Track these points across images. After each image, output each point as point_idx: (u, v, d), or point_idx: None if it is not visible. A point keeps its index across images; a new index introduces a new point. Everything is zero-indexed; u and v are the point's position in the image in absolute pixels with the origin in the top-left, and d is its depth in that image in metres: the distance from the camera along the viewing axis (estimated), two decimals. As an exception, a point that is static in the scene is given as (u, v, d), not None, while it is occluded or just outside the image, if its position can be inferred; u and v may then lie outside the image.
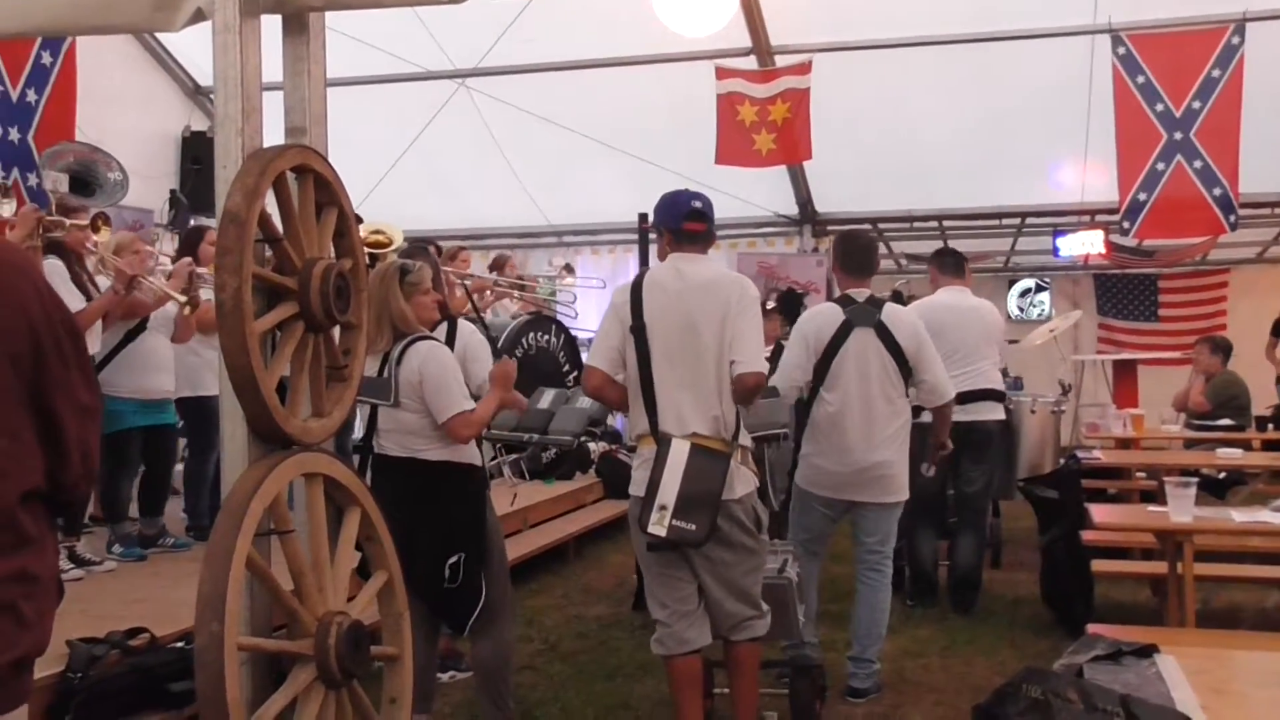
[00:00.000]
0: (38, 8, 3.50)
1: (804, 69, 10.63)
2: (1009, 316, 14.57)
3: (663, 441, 4.24)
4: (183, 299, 6.26)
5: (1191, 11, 9.81)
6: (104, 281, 6.36)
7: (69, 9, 3.49)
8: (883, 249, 13.22)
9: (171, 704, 4.33)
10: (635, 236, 7.57)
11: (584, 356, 9.94)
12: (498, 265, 10.85)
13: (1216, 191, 9.86)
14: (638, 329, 4.33)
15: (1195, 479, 4.98)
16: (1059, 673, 2.33)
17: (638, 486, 4.31)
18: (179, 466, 7.35)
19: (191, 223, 10.00)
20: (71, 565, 5.89)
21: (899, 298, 6.94)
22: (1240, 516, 4.97)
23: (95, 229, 6.20)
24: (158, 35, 11.15)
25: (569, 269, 11.72)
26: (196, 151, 11.55)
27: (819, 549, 5.57)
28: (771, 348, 6.88)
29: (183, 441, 7.39)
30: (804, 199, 12.89)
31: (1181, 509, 4.82)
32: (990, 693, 2.30)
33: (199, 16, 3.34)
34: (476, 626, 4.56)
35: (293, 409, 3.23)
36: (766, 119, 10.75)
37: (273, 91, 3.35)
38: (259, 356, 3.03)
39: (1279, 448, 8.55)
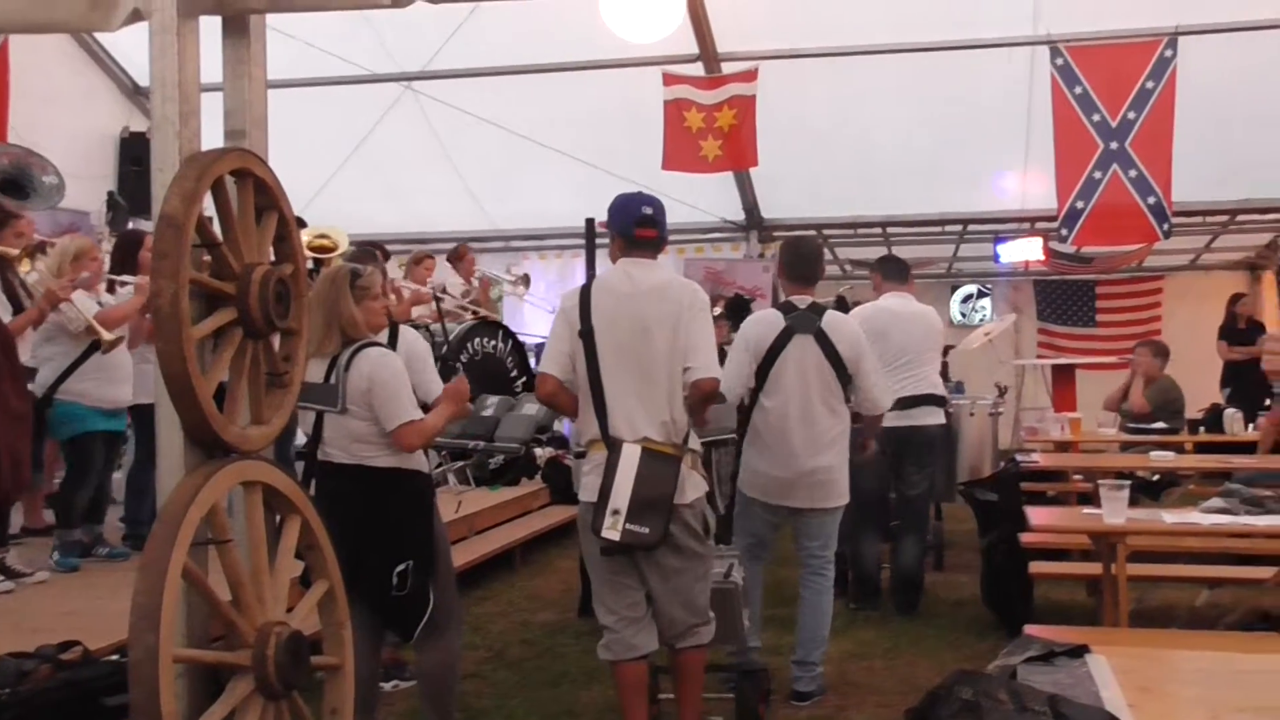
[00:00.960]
0: (-30, 8, 3.45)
1: (750, 76, 10.69)
2: (951, 322, 14.75)
3: (614, 446, 4.25)
4: (109, 337, 6.17)
5: (1127, 25, 10.01)
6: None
7: (2, 7, 3.43)
8: (828, 255, 13.31)
9: (106, 719, 4.26)
10: (583, 242, 7.58)
11: (533, 363, 9.96)
12: (456, 258, 10.81)
13: (1151, 200, 10.05)
14: (586, 334, 4.34)
15: (1129, 482, 5.05)
16: (990, 674, 2.36)
17: (589, 492, 4.32)
18: (116, 474, 7.27)
19: (130, 225, 9.89)
20: (1, 577, 5.81)
21: (843, 303, 7.01)
22: (1171, 518, 5.06)
23: (31, 256, 6.16)
24: (96, 34, 11.00)
25: (525, 281, 11.64)
26: (136, 152, 11.35)
27: (762, 553, 5.60)
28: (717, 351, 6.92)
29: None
30: (750, 205, 12.96)
31: (1115, 511, 4.89)
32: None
33: (136, 17, 3.30)
34: (423, 635, 4.53)
35: (231, 416, 3.19)
36: (713, 125, 10.81)
37: (212, 92, 3.31)
38: (196, 363, 2.99)
39: (1211, 450, 8.70)
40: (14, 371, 2.18)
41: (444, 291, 10.17)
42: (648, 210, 4.48)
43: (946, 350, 8.45)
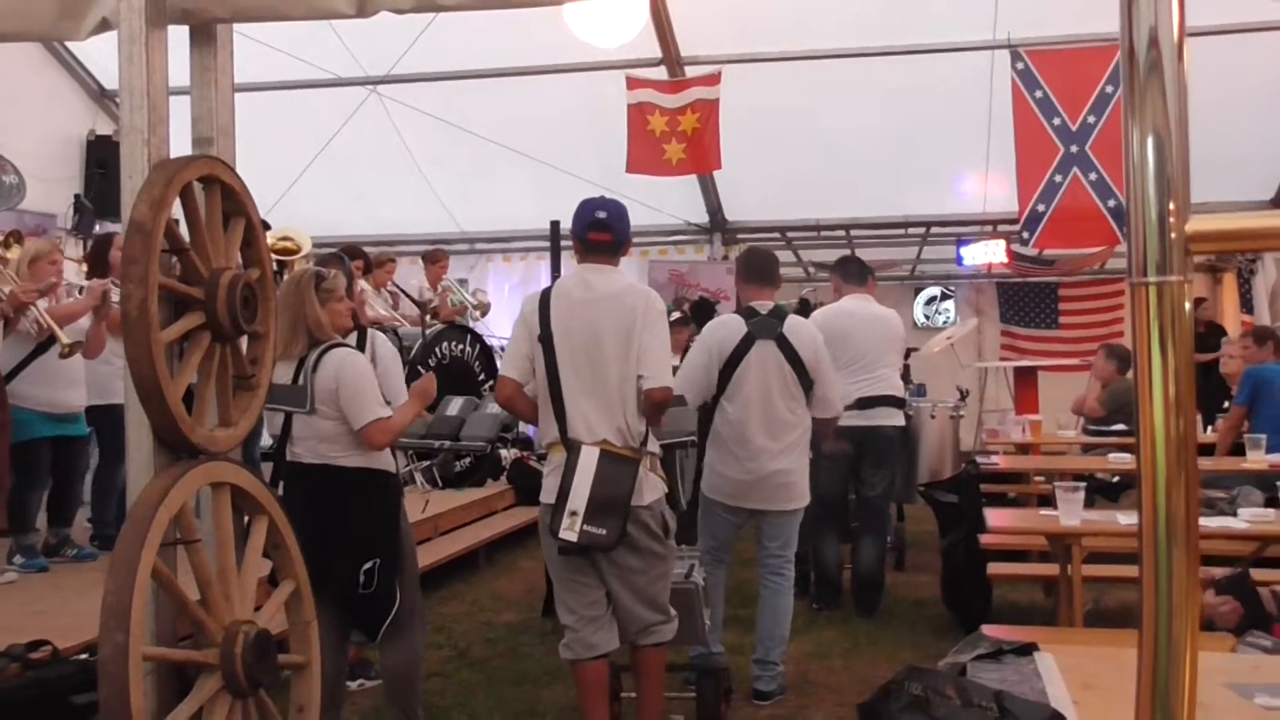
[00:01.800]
0: (-63, 15, 3.48)
1: (713, 80, 10.76)
2: (915, 324, 14.85)
3: (572, 448, 4.31)
4: (66, 343, 6.16)
5: (1086, 29, 10.11)
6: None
7: (-30, 17, 3.47)
8: (791, 257, 13.42)
9: (74, 717, 4.27)
10: (547, 244, 7.63)
11: (499, 364, 9.98)
12: (431, 260, 10.84)
13: (1111, 203, 10.16)
14: (545, 338, 4.39)
15: (1084, 484, 5.16)
16: (940, 670, 2.44)
17: (548, 494, 4.38)
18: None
19: (97, 228, 9.87)
20: (-32, 577, 5.82)
21: (805, 305, 7.09)
22: (1126, 519, 5.15)
23: (6, 245, 6.12)
24: (61, 38, 10.96)
25: (485, 308, 11.59)
26: (101, 155, 11.32)
27: (724, 555, 5.67)
28: (681, 354, 6.98)
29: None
30: (714, 208, 13.05)
31: (1070, 513, 4.99)
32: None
33: (104, 26, 3.35)
34: (387, 634, 4.58)
35: (199, 418, 3.25)
36: (677, 129, 10.86)
37: (180, 95, 3.36)
38: (164, 366, 3.05)
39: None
40: None
41: (395, 287, 10.21)
42: (600, 214, 4.50)
43: (908, 353, 8.54)
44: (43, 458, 6.44)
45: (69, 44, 11.24)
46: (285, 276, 7.58)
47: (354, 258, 7.59)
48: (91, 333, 6.47)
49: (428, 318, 10.23)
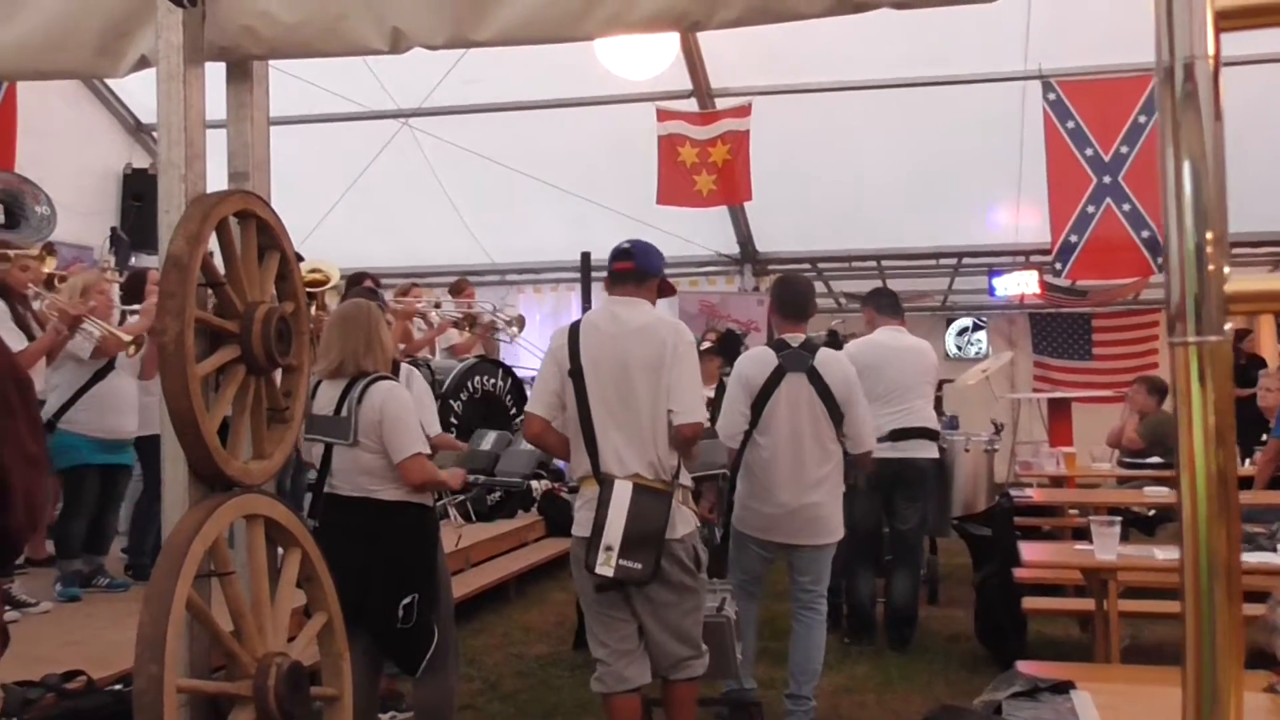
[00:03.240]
0: (-19, 53, 3.53)
1: (744, 111, 10.79)
2: (947, 355, 14.77)
3: (605, 482, 4.30)
4: (128, 338, 6.25)
5: (1119, 59, 10.08)
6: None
7: (13, 54, 3.52)
8: (822, 288, 13.38)
9: (108, 747, 4.31)
10: (578, 275, 7.66)
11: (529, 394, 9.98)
12: (456, 291, 10.86)
13: (1145, 234, 10.11)
14: (575, 372, 4.39)
15: (1120, 518, 5.10)
16: (973, 709, 2.41)
17: (581, 528, 4.37)
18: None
19: (133, 260, 9.96)
20: (6, 607, 5.83)
21: (835, 337, 7.06)
22: (1163, 554, 5.09)
23: (41, 260, 6.18)
24: (99, 74, 11.10)
25: (520, 322, 11.63)
26: (138, 189, 11.47)
27: (756, 589, 5.64)
28: (714, 386, 6.97)
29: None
30: (745, 239, 13.04)
31: (1106, 547, 4.94)
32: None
33: (143, 63, 3.39)
34: (424, 668, 4.58)
35: (234, 451, 3.26)
36: (707, 160, 10.89)
37: (216, 130, 3.40)
38: (200, 399, 3.07)
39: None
40: (29, 413, 2.21)
41: (437, 307, 10.26)
42: (624, 245, 4.59)
43: (941, 385, 8.49)
44: (89, 485, 6.51)
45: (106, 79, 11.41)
46: (314, 308, 7.68)
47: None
48: (147, 354, 6.53)
49: (466, 330, 10.26)
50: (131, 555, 7.05)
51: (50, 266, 6.23)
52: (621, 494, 4.25)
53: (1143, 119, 10.04)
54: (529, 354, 11.18)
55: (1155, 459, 9.17)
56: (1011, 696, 2.60)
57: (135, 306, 6.79)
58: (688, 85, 11.00)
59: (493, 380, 10.10)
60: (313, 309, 7.70)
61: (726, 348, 8.60)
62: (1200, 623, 1.20)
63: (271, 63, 3.66)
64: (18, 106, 9.59)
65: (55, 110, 10.67)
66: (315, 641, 3.56)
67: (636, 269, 4.55)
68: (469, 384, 9.78)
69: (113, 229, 11.18)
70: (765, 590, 5.83)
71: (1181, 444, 1.18)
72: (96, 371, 6.39)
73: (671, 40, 9.85)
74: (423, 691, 4.68)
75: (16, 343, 5.89)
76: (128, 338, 6.27)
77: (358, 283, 7.80)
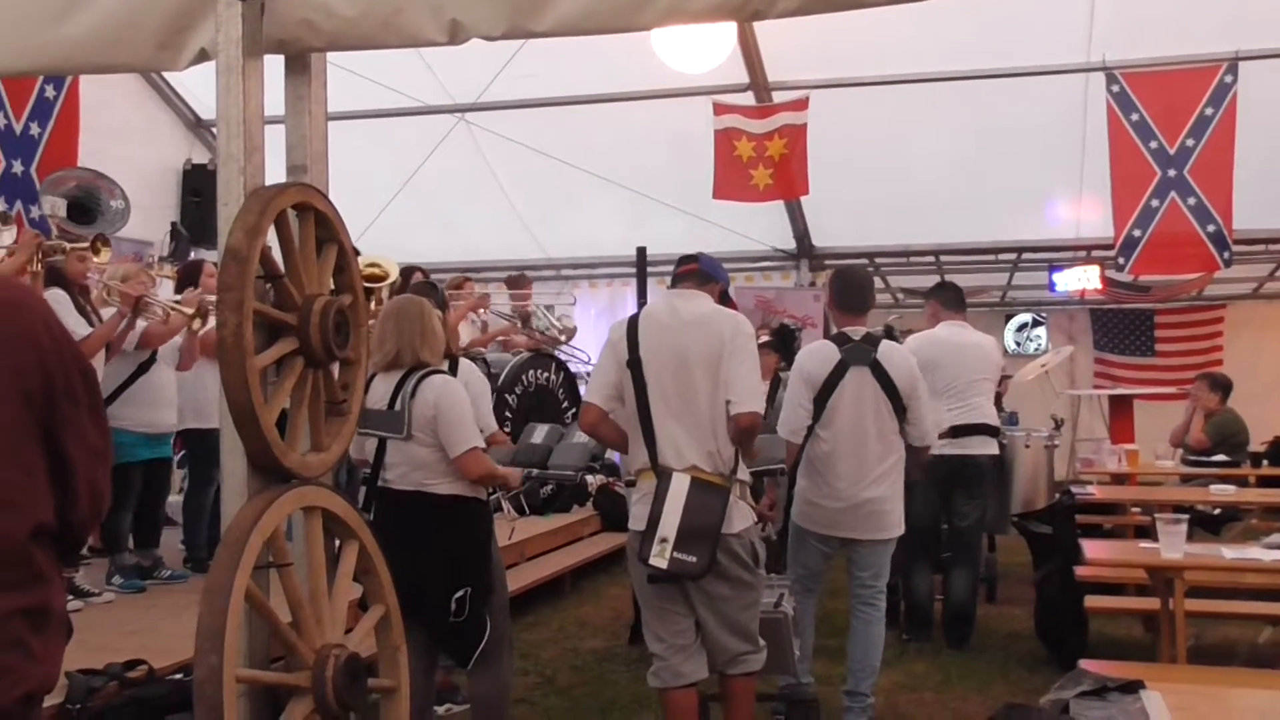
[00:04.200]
0: (43, 47, 3.55)
1: (801, 105, 10.71)
2: (1006, 351, 14.58)
3: (663, 475, 4.28)
4: (189, 311, 6.31)
5: (1185, 50, 9.91)
6: (107, 311, 6.40)
7: (74, 49, 3.54)
8: (879, 283, 13.27)
9: (169, 736, 4.35)
10: (633, 270, 7.62)
11: (583, 390, 9.99)
12: (515, 284, 10.86)
13: (1210, 228, 9.93)
14: (634, 364, 4.38)
15: (1186, 515, 5.00)
16: (1042, 708, 2.36)
17: (638, 520, 4.35)
18: (174, 498, 7.38)
19: (192, 255, 10.06)
20: (70, 597, 5.91)
21: (891, 333, 6.98)
22: (1231, 553, 5.00)
23: (95, 251, 6.24)
24: (161, 70, 11.23)
25: (571, 333, 11.60)
26: (197, 184, 11.60)
27: (815, 585, 5.59)
28: (770, 381, 6.92)
29: (180, 472, 7.41)
30: (801, 233, 12.96)
31: (1172, 545, 4.84)
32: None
33: (203, 56, 3.41)
34: (477, 661, 4.58)
35: (292, 443, 3.27)
36: (764, 154, 10.82)
37: (275, 125, 3.40)
38: (259, 392, 3.07)
39: (1274, 484, 8.55)
40: (94, 405, 2.22)
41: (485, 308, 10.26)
42: (690, 255, 4.71)
43: (1003, 381, 8.38)
44: (135, 480, 6.56)
45: (166, 75, 11.54)
46: (373, 303, 7.71)
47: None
48: (185, 346, 6.59)
49: (520, 325, 10.27)
50: (188, 548, 7.13)
51: (104, 258, 6.28)
52: (678, 487, 4.23)
53: (1209, 111, 9.86)
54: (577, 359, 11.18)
55: (1221, 456, 9.02)
56: (1079, 695, 2.54)
57: (179, 298, 6.85)
58: (745, 79, 10.93)
59: (546, 374, 10.12)
60: (371, 304, 7.73)
61: (781, 344, 8.54)
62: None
63: (330, 58, 3.67)
64: (80, 103, 9.71)
65: (116, 107, 10.80)
66: (372, 633, 3.57)
67: (700, 270, 4.59)
68: (523, 378, 9.81)
69: (173, 224, 11.30)
70: (823, 587, 5.78)
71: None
72: (139, 365, 6.44)
73: (729, 33, 9.80)
74: (477, 684, 4.69)
75: (81, 331, 5.97)
76: (190, 310, 6.33)
77: (409, 277, 7.82)
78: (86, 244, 6.18)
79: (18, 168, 9.38)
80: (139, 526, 6.81)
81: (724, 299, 4.73)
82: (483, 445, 4.55)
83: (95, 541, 7.24)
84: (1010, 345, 15.07)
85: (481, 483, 4.62)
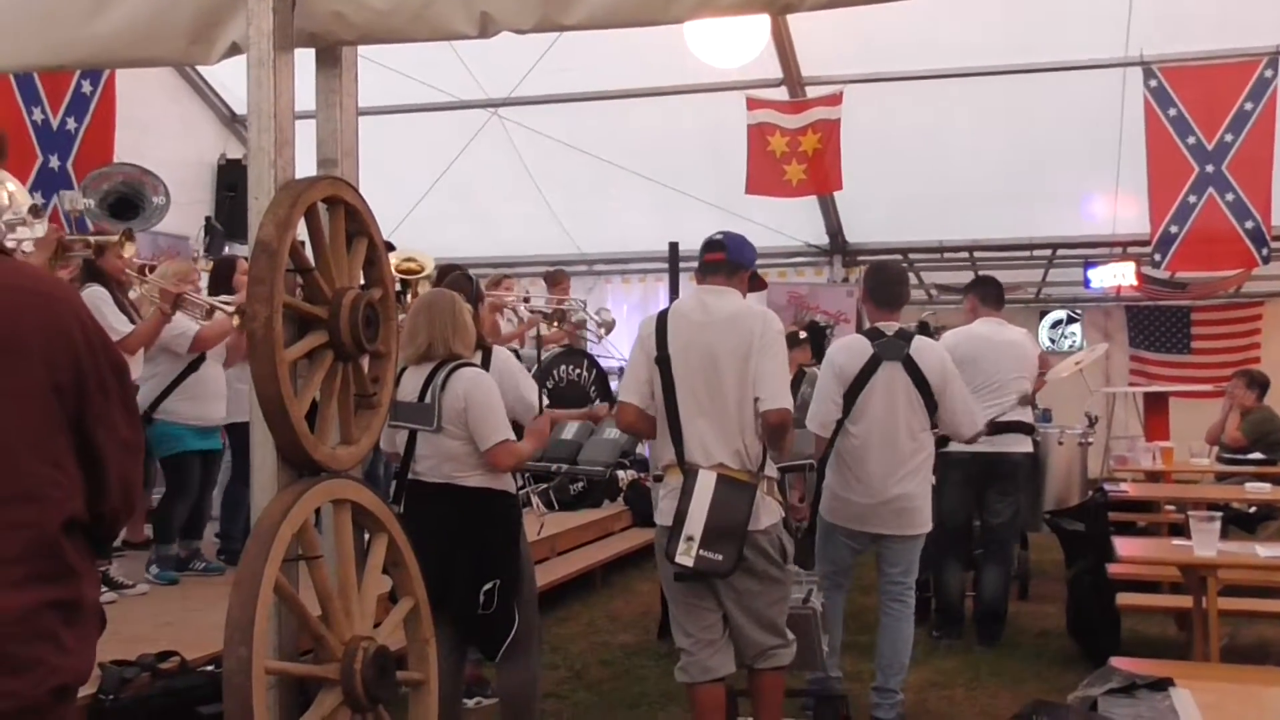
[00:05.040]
0: (77, 42, 3.58)
1: (835, 100, 10.67)
2: (1040, 348, 14.49)
3: (689, 472, 4.28)
4: (230, 309, 6.36)
5: (1224, 45, 9.80)
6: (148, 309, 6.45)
7: (107, 43, 3.57)
8: (913, 279, 13.21)
9: (200, 726, 4.38)
10: (666, 266, 7.61)
11: (614, 388, 9.99)
12: (553, 281, 10.85)
13: (1249, 225, 9.83)
14: (662, 360, 4.37)
15: (1220, 513, 4.96)
16: (1068, 705, 2.34)
17: (664, 516, 4.35)
18: (215, 490, 7.43)
19: (226, 250, 10.13)
20: (104, 588, 5.95)
21: (926, 329, 6.95)
22: (1265, 551, 4.94)
23: (121, 245, 6.28)
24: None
25: (609, 326, 11.56)
26: (231, 179, 11.67)
27: (844, 580, 5.57)
28: (794, 375, 6.90)
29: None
30: (834, 229, 12.93)
31: (1205, 544, 4.80)
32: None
33: (234, 50, 3.43)
34: (506, 654, 4.59)
35: (322, 436, 3.29)
36: (797, 149, 10.80)
37: (306, 119, 3.42)
38: (289, 385, 3.09)
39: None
40: (125, 398, 2.22)
41: (526, 300, 10.26)
42: (716, 236, 4.59)
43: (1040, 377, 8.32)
44: (194, 471, 6.66)
45: (202, 70, 11.62)
46: (409, 296, 7.73)
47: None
48: (231, 342, 6.65)
49: (553, 326, 10.27)
50: (223, 540, 7.18)
51: (130, 252, 6.32)
52: (705, 484, 4.22)
53: (1249, 106, 9.76)
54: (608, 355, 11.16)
55: (1257, 454, 8.93)
56: (1107, 693, 2.52)
57: (225, 298, 6.88)
58: (778, 73, 10.91)
59: (577, 370, 10.12)
60: (407, 298, 7.76)
61: (811, 340, 8.52)
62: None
63: (363, 53, 3.68)
64: (116, 98, 9.79)
65: (153, 102, 10.88)
66: (401, 626, 3.58)
67: (728, 260, 4.53)
68: (554, 373, 9.82)
69: (207, 218, 11.38)
70: (852, 583, 5.76)
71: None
72: (190, 362, 6.52)
73: (762, 28, 9.78)
74: (506, 677, 4.70)
75: (123, 327, 6.03)
76: (230, 308, 6.38)
77: (446, 275, 7.82)
78: (115, 239, 6.21)
79: (54, 162, 9.47)
80: (188, 516, 6.87)
81: (754, 281, 4.69)
82: (512, 437, 4.55)
83: (130, 536, 7.32)
84: (1045, 342, 14.95)
85: (516, 470, 4.64)
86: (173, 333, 6.33)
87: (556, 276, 10.94)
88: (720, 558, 4.19)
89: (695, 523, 4.19)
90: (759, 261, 4.81)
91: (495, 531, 4.57)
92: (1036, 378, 7.32)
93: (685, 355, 4.35)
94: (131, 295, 6.51)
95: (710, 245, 4.55)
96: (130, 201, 7.97)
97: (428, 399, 4.51)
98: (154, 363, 6.51)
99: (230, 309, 6.39)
